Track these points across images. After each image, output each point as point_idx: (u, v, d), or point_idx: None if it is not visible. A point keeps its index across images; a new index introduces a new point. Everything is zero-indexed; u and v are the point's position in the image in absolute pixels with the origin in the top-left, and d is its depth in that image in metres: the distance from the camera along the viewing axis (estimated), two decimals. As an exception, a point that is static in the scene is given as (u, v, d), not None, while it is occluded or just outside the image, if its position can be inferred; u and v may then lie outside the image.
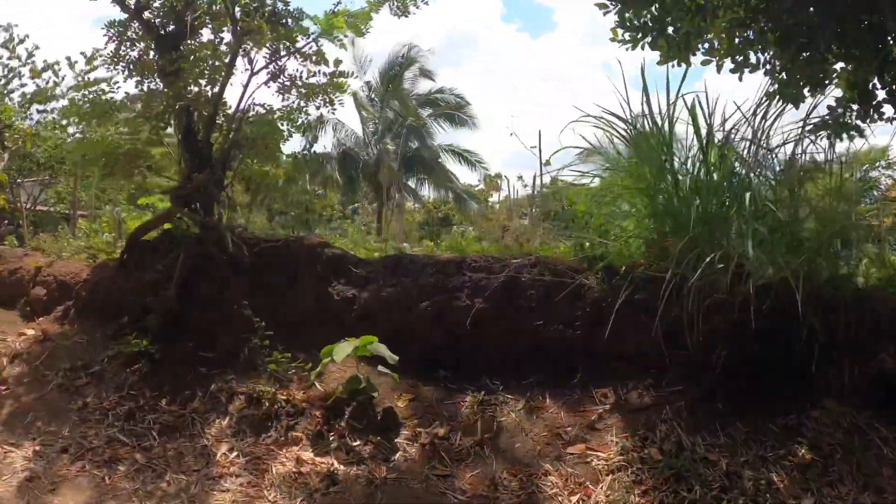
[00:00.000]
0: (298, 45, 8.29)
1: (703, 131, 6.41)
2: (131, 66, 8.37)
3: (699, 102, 6.45)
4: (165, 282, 7.81)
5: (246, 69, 8.38)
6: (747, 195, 5.96)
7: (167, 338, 7.55)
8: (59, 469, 5.93)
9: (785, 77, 7.08)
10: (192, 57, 7.99)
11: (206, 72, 8.02)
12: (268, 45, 8.16)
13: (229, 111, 8.41)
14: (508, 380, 6.55)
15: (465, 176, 26.46)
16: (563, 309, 6.70)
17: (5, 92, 13.11)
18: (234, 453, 6.09)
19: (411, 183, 25.44)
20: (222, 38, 8.48)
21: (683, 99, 6.49)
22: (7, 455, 6.15)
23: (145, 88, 8.47)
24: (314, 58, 8.37)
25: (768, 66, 7.29)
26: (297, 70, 8.46)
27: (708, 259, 5.28)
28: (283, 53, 8.41)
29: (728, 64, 7.38)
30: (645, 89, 6.54)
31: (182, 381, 7.17)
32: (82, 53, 8.31)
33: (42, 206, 21.01)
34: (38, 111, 12.90)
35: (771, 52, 7.27)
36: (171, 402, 6.85)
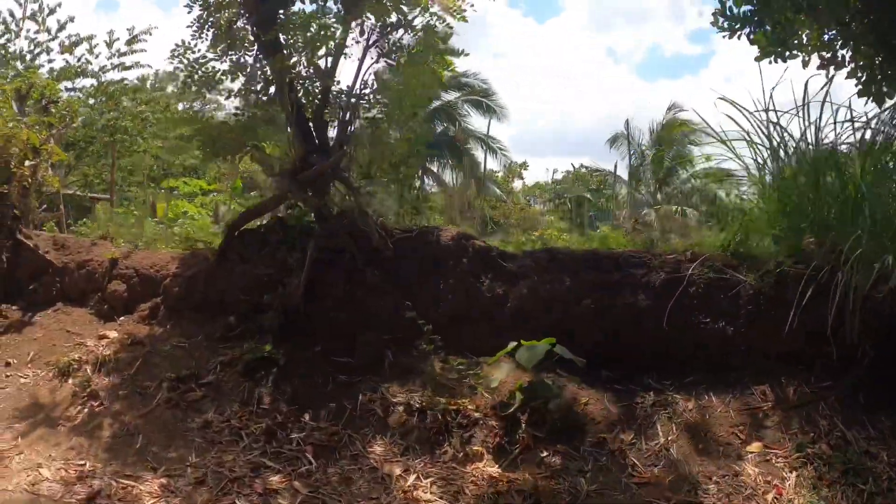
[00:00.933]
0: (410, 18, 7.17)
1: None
2: (219, 35, 7.08)
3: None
4: (282, 276, 6.60)
5: (357, 41, 7.20)
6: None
7: (287, 340, 6.36)
8: (202, 507, 4.72)
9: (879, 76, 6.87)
10: (294, 26, 6.79)
11: (318, 42, 6.82)
12: (382, 17, 7.01)
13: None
14: (671, 379, 6.05)
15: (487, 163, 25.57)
16: (724, 306, 6.17)
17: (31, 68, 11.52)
18: (413, 475, 5.09)
19: (433, 167, 24.27)
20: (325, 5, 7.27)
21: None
22: (128, 491, 4.85)
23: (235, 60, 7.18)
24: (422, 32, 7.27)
25: (853, 65, 7.00)
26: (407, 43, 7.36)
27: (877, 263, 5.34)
28: (396, 26, 7.27)
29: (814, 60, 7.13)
30: (805, 105, 6.57)
31: (320, 391, 6.02)
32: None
33: (66, 190, 18.97)
34: (67, 88, 11.37)
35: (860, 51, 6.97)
36: (315, 416, 5.70)
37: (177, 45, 6.75)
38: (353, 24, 6.89)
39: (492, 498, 4.83)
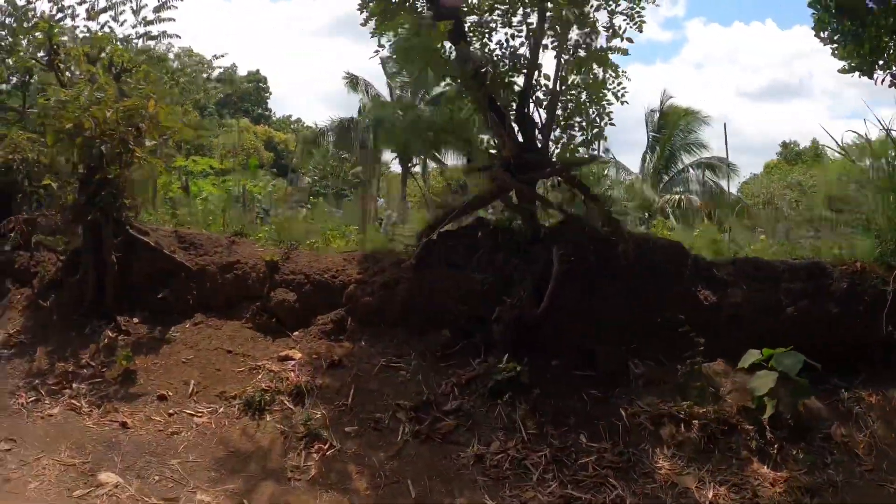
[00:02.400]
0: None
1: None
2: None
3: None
4: (503, 284, 5.62)
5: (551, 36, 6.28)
6: None
7: (519, 355, 5.41)
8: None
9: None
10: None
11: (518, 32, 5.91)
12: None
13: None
14: (858, 377, 5.92)
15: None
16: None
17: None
18: (709, 487, 4.67)
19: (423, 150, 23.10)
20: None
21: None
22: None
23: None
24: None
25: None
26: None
27: None
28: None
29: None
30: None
31: (577, 408, 5.23)
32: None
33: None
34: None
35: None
36: (591, 437, 4.96)
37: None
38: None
39: (779, 498, 4.64)
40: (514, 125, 6.10)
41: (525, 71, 6.18)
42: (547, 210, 6.14)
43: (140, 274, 6.13)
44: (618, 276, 5.87)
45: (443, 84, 6.32)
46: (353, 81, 22.37)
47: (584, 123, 6.39)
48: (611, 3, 6.14)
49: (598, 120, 6.41)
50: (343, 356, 5.45)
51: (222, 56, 11.36)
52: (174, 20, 10.14)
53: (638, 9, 6.10)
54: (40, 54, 8.02)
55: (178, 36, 10.94)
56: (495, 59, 6.23)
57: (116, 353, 5.69)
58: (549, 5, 5.98)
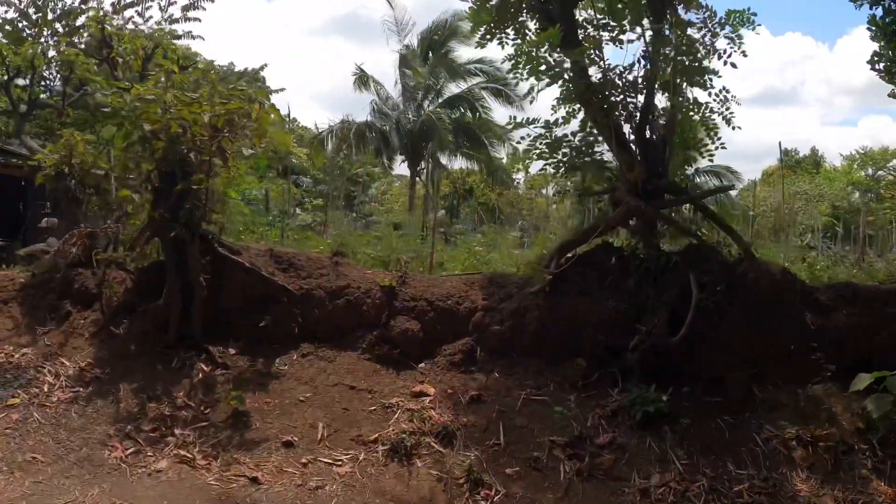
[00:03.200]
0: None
1: None
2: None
3: None
4: (637, 311, 5.20)
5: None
6: None
7: (652, 383, 5.07)
8: None
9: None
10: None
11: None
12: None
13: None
14: None
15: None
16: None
17: (66, 26, 7.99)
18: None
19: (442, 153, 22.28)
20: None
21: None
22: None
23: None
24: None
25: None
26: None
27: None
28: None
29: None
30: None
31: (717, 436, 4.98)
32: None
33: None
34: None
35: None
36: (737, 464, 4.73)
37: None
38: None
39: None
40: (633, 147, 5.73)
41: (643, 90, 5.82)
42: (670, 235, 5.80)
43: (232, 298, 5.37)
44: (740, 301, 5.61)
45: (561, 105, 5.82)
46: (363, 79, 21.37)
47: (696, 146, 6.12)
48: (716, 27, 5.89)
49: (708, 143, 6.18)
50: (478, 390, 4.91)
51: (262, 68, 10.34)
52: (200, 20, 9.24)
53: (738, 35, 5.85)
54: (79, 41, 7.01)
55: (201, 37, 10.02)
56: (611, 76, 5.84)
57: (217, 391, 4.96)
58: (665, 26, 5.66)
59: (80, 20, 8.23)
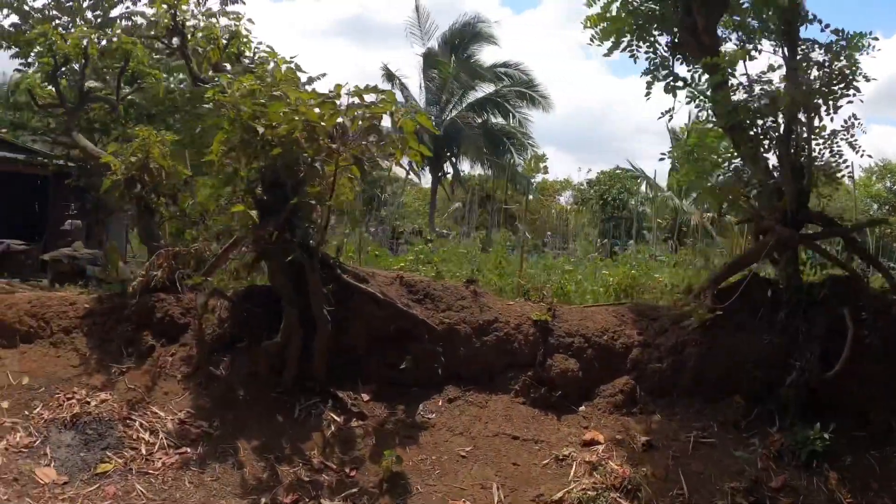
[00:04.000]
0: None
1: None
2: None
3: None
4: (790, 346, 4.78)
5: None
6: None
7: (802, 419, 4.73)
8: None
9: None
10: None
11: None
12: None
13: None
14: None
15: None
16: None
17: (97, 19, 6.75)
18: None
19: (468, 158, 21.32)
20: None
21: None
22: None
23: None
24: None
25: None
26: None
27: None
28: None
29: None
30: None
31: (869, 472, 4.59)
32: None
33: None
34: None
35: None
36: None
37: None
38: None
39: None
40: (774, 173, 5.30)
41: (782, 111, 5.38)
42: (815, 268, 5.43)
43: (360, 334, 4.56)
44: (880, 333, 5.29)
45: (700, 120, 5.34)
46: (390, 77, 20.15)
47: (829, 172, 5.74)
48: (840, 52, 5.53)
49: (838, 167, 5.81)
50: (650, 435, 4.36)
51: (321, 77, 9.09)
52: (240, 14, 8.13)
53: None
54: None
55: (251, 20, 8.87)
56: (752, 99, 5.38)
57: (358, 447, 4.16)
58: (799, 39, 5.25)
59: (116, 11, 7.11)
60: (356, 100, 4.32)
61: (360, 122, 4.23)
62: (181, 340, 4.76)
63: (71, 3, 6.57)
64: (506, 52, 26.85)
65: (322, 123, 4.24)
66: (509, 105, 21.10)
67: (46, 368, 4.75)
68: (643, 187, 21.96)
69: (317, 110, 4.28)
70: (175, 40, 5.68)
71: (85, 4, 6.64)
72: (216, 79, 6.10)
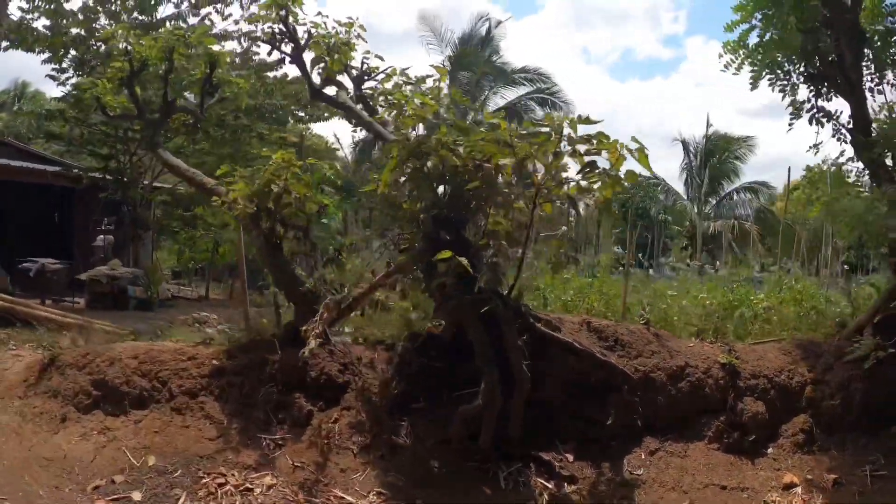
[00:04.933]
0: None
1: None
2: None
3: None
4: None
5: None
6: None
7: None
8: None
9: None
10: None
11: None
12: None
13: None
14: None
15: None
16: None
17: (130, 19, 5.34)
18: None
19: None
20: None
21: None
22: None
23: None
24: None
25: None
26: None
27: None
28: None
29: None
30: None
31: None
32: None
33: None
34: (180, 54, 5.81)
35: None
36: None
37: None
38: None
39: None
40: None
41: None
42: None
43: (556, 388, 4.08)
44: None
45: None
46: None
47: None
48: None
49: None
50: (833, 472, 4.34)
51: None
52: (352, 21, 7.10)
53: None
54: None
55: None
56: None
57: (577, 517, 3.74)
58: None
59: (164, 9, 5.86)
60: (570, 131, 3.78)
61: (583, 159, 3.69)
62: (342, 403, 4.02)
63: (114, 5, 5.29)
64: (512, 56, 26.35)
65: (546, 162, 3.64)
66: (530, 112, 20.42)
67: (175, 443, 3.83)
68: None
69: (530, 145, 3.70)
70: (287, 47, 4.67)
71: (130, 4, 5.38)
72: (336, 91, 5.21)
